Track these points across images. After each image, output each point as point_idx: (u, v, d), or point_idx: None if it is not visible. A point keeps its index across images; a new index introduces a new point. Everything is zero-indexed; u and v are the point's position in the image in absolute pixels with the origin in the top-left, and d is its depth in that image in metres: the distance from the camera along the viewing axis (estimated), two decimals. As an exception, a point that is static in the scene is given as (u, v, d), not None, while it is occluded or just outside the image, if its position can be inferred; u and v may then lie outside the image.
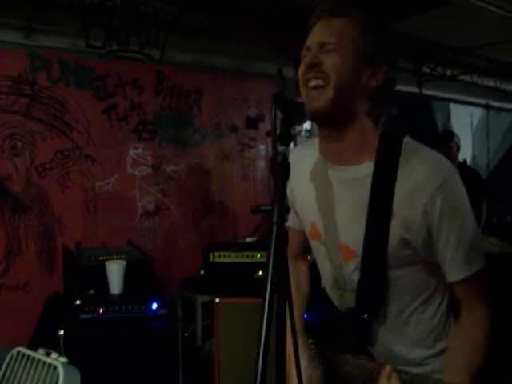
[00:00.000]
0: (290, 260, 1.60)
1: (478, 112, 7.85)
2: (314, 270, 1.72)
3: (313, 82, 1.34)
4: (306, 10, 1.55)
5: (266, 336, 0.93)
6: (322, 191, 1.48)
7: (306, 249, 1.72)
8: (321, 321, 1.61)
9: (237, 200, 4.91)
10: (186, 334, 3.79)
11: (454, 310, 1.47)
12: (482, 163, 7.76)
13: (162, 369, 2.92)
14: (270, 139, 5.10)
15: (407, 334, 1.47)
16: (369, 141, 1.40)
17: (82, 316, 2.86)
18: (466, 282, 1.36)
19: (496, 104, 8.00)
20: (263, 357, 0.92)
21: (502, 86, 7.33)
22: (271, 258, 0.99)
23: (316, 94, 1.34)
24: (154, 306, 2.98)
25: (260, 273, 3.75)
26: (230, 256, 3.90)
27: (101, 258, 3.24)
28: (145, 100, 4.36)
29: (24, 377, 2.02)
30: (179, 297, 3.82)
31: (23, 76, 3.76)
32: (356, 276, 1.44)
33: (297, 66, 1.42)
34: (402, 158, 1.35)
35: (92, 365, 2.58)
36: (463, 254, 1.34)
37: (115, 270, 3.07)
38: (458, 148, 4.98)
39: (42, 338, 3.12)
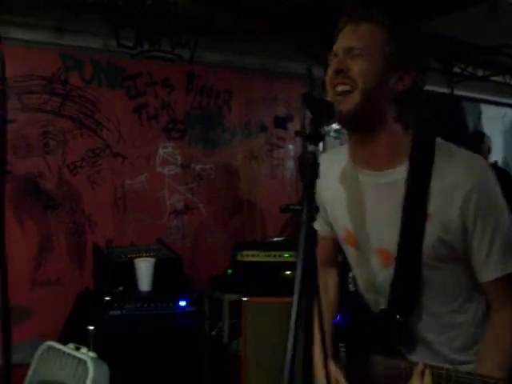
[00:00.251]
0: (318, 265, 1.60)
1: (510, 113, 7.71)
2: (344, 274, 1.72)
3: (340, 88, 1.36)
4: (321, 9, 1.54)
5: (294, 338, 0.93)
6: (354, 196, 1.49)
7: (334, 255, 1.74)
8: (353, 323, 1.61)
9: (265, 199, 4.90)
10: (213, 333, 3.81)
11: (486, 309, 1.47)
12: (513, 164, 7.62)
13: (189, 366, 2.94)
14: (298, 139, 5.09)
15: (448, 335, 1.47)
16: (400, 145, 1.41)
17: (111, 312, 2.90)
18: (501, 282, 1.36)
19: (529, 105, 7.85)
20: (291, 361, 0.92)
21: (536, 87, 7.18)
22: (301, 255, 0.99)
23: (343, 99, 1.35)
24: (182, 303, 3.00)
25: (288, 272, 3.74)
26: (258, 255, 3.90)
27: (130, 256, 3.27)
28: (175, 99, 4.38)
29: (54, 370, 2.06)
30: (207, 295, 3.83)
31: (56, 75, 3.82)
32: (392, 279, 1.44)
33: (326, 67, 1.42)
34: (436, 159, 1.36)
35: (120, 360, 2.61)
36: (498, 252, 1.34)
37: (144, 268, 3.11)
38: (489, 149, 4.90)
39: (71, 333, 3.16)
